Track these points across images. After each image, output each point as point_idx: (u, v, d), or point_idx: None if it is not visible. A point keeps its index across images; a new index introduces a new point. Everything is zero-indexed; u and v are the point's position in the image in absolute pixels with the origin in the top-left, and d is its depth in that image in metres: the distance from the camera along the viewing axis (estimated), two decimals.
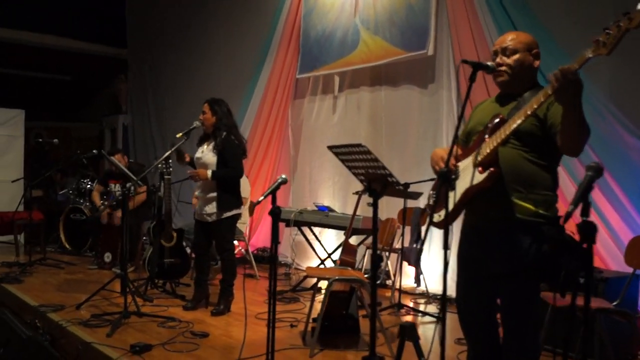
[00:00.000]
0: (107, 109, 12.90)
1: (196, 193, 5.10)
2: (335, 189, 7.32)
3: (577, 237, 2.16)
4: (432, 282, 5.99)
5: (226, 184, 4.91)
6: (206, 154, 4.94)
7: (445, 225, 2.52)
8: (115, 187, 7.23)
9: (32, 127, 9.50)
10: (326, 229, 6.77)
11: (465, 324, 2.79)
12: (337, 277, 3.94)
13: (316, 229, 6.57)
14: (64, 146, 8.09)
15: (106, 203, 7.16)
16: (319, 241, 6.23)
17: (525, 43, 2.64)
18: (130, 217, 6.65)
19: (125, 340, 4.10)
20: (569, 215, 2.10)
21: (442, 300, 2.43)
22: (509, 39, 2.64)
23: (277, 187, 3.23)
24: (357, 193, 5.65)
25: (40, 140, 7.63)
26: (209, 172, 4.82)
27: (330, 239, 7.04)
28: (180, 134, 4.89)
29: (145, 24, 11.33)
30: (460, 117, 2.58)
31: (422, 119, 6.34)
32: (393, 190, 2.97)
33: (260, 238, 8.12)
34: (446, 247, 2.53)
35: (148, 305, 5.15)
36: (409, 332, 2.86)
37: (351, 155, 3.05)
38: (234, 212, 4.93)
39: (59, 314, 4.80)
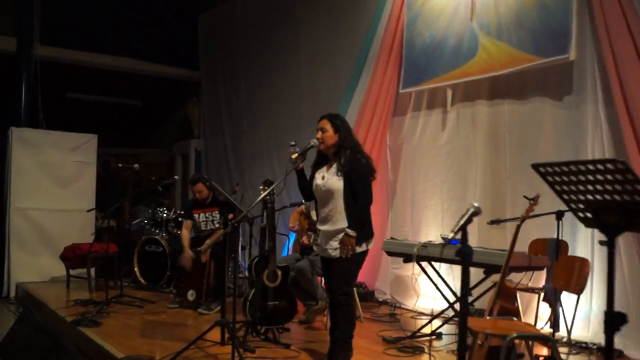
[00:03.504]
0: (178, 133, 12.39)
1: (319, 227, 4.23)
2: (444, 217, 6.40)
3: None
4: (576, 328, 5.05)
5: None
6: (329, 178, 4.07)
7: None
8: (200, 218, 6.53)
9: (99, 154, 8.91)
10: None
11: None
12: (516, 335, 3.05)
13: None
14: (132, 174, 7.48)
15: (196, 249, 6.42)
16: (443, 280, 5.31)
17: None
18: (217, 249, 5.95)
19: None
20: None
21: None
22: None
23: (469, 220, 2.40)
24: (494, 222, 4.80)
25: (120, 165, 7.05)
26: (350, 232, 3.92)
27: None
28: (295, 154, 4.07)
29: (218, 44, 10.74)
30: None
31: (558, 137, 5.40)
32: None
33: None
34: None
35: (250, 357, 4.38)
36: None
37: (577, 176, 2.20)
38: (364, 247, 4.04)
39: None
